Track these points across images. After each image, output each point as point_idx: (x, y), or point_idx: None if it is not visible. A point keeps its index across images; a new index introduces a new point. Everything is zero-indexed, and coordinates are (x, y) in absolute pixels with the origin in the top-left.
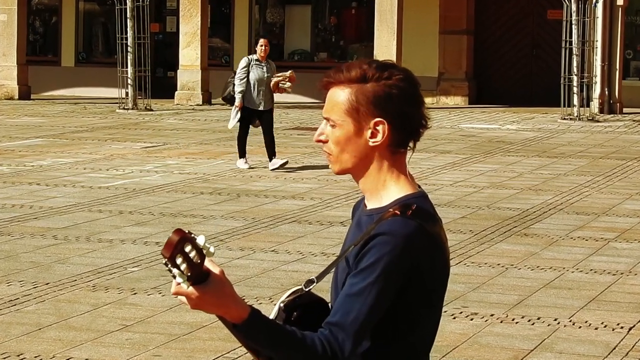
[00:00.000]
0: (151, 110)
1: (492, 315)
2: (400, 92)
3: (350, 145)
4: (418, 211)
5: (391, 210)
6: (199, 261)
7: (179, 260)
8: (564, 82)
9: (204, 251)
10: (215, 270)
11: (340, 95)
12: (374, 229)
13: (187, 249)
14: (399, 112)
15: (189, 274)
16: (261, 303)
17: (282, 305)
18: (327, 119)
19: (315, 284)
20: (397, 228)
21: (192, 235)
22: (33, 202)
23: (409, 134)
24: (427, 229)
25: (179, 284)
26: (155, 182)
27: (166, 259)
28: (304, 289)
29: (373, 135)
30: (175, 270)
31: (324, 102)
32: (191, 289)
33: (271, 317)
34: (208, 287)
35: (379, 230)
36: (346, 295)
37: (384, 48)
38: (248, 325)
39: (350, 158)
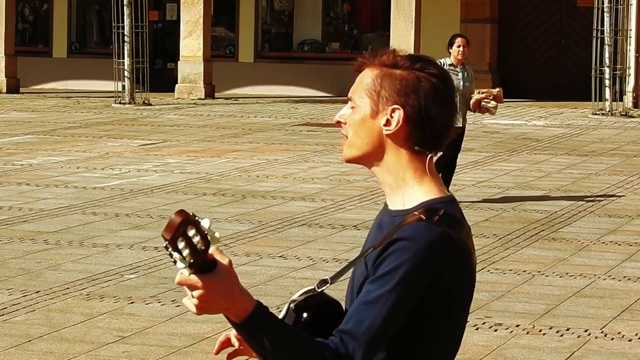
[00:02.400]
0: (150, 104)
1: (517, 326)
2: (430, 86)
3: (363, 129)
4: (445, 217)
5: (416, 213)
6: (202, 247)
7: (181, 245)
8: (595, 75)
9: (209, 236)
10: (223, 260)
11: (367, 76)
12: (396, 233)
13: (191, 233)
14: (421, 106)
15: (191, 260)
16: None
17: (292, 305)
18: (350, 100)
19: (329, 284)
20: (420, 234)
21: (197, 218)
22: (22, 203)
23: (430, 136)
24: (453, 237)
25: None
26: (154, 182)
27: (167, 242)
28: (316, 289)
29: (388, 123)
30: (176, 255)
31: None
32: (195, 277)
33: (280, 316)
34: (215, 276)
35: (401, 235)
36: (361, 302)
37: (401, 38)
38: (254, 319)
39: (361, 143)
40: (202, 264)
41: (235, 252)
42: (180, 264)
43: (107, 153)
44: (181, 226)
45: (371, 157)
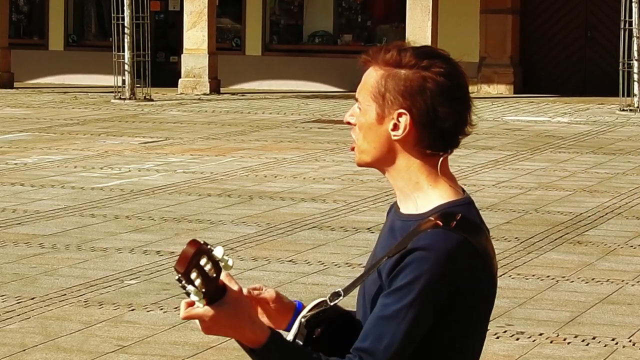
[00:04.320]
0: (151, 100)
1: (540, 334)
2: (435, 86)
3: (370, 134)
4: (463, 222)
5: (432, 219)
6: (214, 275)
7: (193, 275)
8: (623, 69)
9: (221, 264)
10: (233, 286)
11: (371, 77)
12: (412, 242)
13: (203, 262)
14: (429, 108)
15: (203, 289)
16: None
17: (303, 320)
18: (357, 100)
19: (342, 297)
20: (438, 242)
21: (209, 246)
22: (16, 205)
23: (440, 137)
24: (472, 244)
25: (190, 304)
26: (155, 182)
27: (180, 275)
28: (328, 302)
29: (395, 128)
30: (190, 288)
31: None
32: (206, 309)
33: (291, 333)
34: (224, 307)
35: (418, 245)
36: (379, 317)
37: (418, 29)
38: (266, 351)
39: (370, 149)
40: (213, 292)
41: (241, 256)
42: (194, 297)
43: (106, 152)
44: (194, 257)
45: (382, 162)
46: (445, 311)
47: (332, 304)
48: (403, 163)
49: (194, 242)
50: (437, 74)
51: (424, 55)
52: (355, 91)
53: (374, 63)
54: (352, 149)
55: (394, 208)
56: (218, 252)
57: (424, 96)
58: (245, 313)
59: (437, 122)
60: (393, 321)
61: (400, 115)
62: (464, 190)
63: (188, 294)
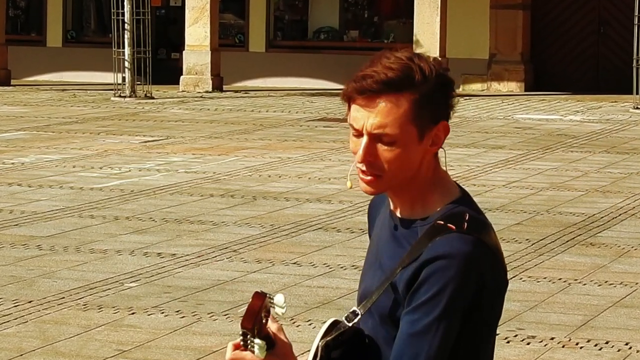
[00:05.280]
0: (152, 98)
1: (552, 338)
2: (452, 83)
3: (408, 161)
4: (472, 221)
5: (442, 223)
6: (264, 321)
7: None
8: (637, 65)
9: (274, 309)
10: (284, 339)
11: (402, 105)
12: (427, 251)
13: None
14: (452, 105)
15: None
16: (282, 325)
17: (322, 344)
18: (379, 135)
19: (359, 316)
20: (456, 248)
21: (268, 295)
22: (13, 205)
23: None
24: (485, 242)
25: (237, 346)
26: (156, 182)
27: (245, 330)
28: (346, 322)
29: (435, 141)
30: (257, 341)
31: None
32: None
33: (310, 357)
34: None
35: (436, 253)
36: (409, 335)
37: (426, 25)
38: None
39: (404, 174)
40: (266, 338)
41: (245, 258)
42: (258, 352)
43: (106, 151)
44: (260, 312)
45: (408, 180)
46: (470, 313)
47: (350, 324)
48: (423, 173)
49: (259, 296)
50: (445, 72)
51: (426, 61)
52: None
53: (385, 92)
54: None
55: (382, 207)
56: (279, 300)
57: (447, 100)
58: None
59: (449, 116)
60: (425, 337)
61: (441, 128)
62: (457, 184)
63: (251, 348)
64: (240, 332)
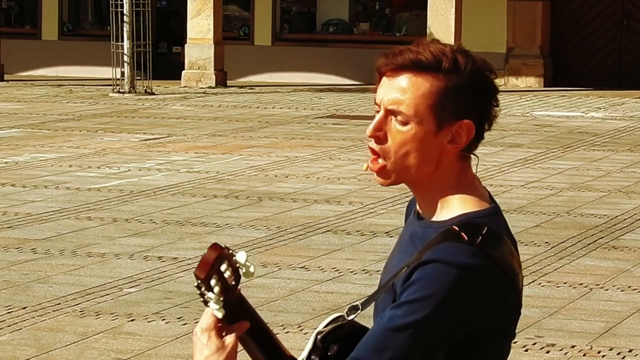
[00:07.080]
0: (152, 94)
1: (573, 347)
2: (491, 86)
3: (421, 150)
4: (488, 237)
5: (456, 229)
6: (233, 283)
7: (212, 282)
8: None
9: (242, 270)
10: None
11: (423, 85)
12: (430, 252)
13: (223, 267)
14: (486, 110)
15: (222, 298)
16: (288, 332)
17: (319, 335)
18: (393, 112)
19: (359, 311)
20: (458, 257)
21: (231, 251)
22: (7, 207)
23: (482, 136)
24: (496, 262)
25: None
26: (157, 182)
27: (200, 281)
28: (345, 317)
29: (455, 139)
30: (209, 295)
31: (378, 83)
32: (232, 338)
33: (306, 350)
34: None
35: (435, 257)
36: (385, 328)
37: (440, 18)
38: None
39: (415, 166)
40: (231, 304)
41: (250, 262)
42: (213, 305)
43: (104, 149)
44: (215, 263)
45: (424, 176)
46: (464, 328)
47: (349, 318)
48: (443, 174)
49: (215, 247)
50: (486, 70)
51: (469, 56)
52: (373, 84)
53: (417, 68)
54: (369, 168)
55: (413, 211)
56: (240, 257)
57: (483, 99)
58: None
59: (488, 122)
60: (400, 334)
61: (464, 125)
62: (492, 198)
63: (206, 302)
64: (195, 285)
